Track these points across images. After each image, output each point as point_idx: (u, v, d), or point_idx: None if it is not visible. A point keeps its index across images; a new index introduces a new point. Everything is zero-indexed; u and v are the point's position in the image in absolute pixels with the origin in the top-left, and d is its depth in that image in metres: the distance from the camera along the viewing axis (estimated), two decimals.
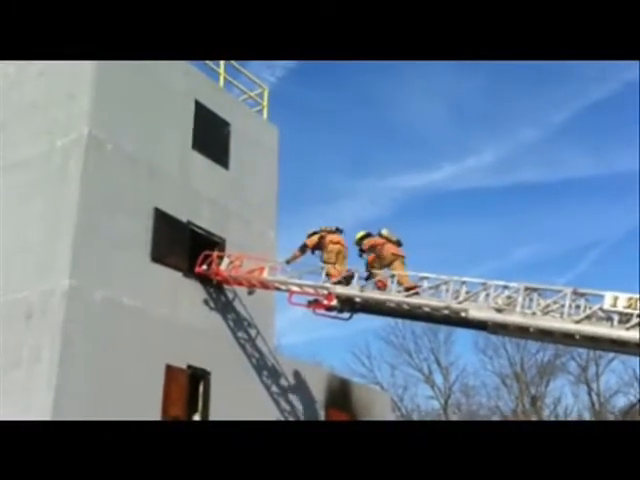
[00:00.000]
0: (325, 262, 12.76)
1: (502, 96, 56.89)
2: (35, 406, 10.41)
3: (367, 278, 12.44)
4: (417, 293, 11.44)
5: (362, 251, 12.81)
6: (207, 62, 15.38)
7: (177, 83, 14.32)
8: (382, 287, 12.07)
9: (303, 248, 13.21)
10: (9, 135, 13.44)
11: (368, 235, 12.91)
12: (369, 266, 12.59)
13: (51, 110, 12.94)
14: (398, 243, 12.73)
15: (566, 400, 38.80)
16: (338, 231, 13.21)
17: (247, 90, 16.99)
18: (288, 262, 13.37)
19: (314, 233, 13.26)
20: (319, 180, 58.88)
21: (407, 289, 11.57)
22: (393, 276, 11.94)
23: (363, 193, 59.38)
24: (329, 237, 13.00)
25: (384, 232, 12.81)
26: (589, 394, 37.01)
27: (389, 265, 12.38)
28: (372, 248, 12.65)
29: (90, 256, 11.59)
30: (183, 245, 13.42)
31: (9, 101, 13.83)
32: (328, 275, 12.44)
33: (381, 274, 12.21)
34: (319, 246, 13.06)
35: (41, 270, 11.55)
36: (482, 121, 57.63)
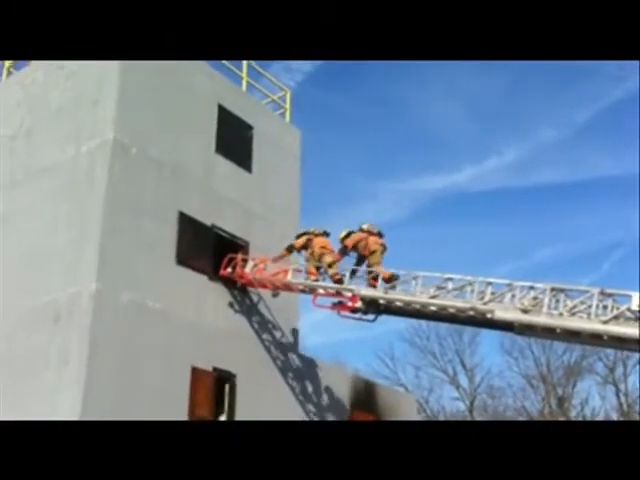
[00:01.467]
0: (307, 261, 13.18)
1: (522, 96, 56.53)
2: (63, 407, 10.54)
3: (352, 273, 12.71)
4: (394, 286, 11.91)
5: (346, 248, 12.98)
6: (230, 66, 15.48)
7: (201, 87, 14.43)
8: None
9: (290, 248, 13.60)
10: (37, 140, 13.65)
11: (350, 233, 13.11)
12: (360, 262, 12.84)
13: (77, 115, 13.11)
14: (379, 235, 13.02)
15: (593, 401, 38.37)
16: (325, 234, 13.49)
17: (270, 93, 17.06)
18: (275, 261, 13.65)
19: (302, 234, 13.59)
20: (340, 182, 58.99)
21: (388, 278, 12.04)
22: (371, 272, 12.40)
23: (384, 195, 59.35)
24: (316, 240, 13.29)
25: (365, 227, 13.08)
26: (617, 395, 36.57)
27: (371, 255, 12.68)
28: (356, 244, 12.84)
29: (116, 259, 11.72)
30: (207, 248, 13.51)
31: (36, 107, 14.04)
32: (308, 274, 12.94)
33: (376, 270, 12.47)
34: (306, 247, 13.39)
35: (68, 273, 11.70)
36: (502, 121, 57.34)
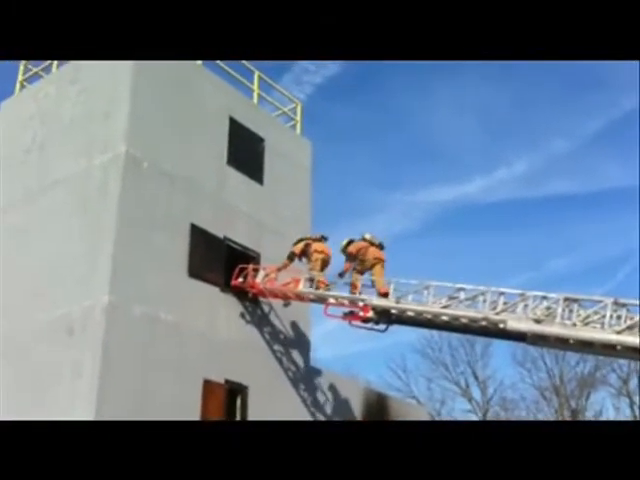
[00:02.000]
0: (311, 270, 13.26)
1: (532, 106, 56.31)
2: (76, 418, 10.54)
3: (340, 275, 12.97)
4: (387, 295, 12.04)
5: (350, 255, 13.05)
6: (241, 78, 15.59)
7: (212, 100, 14.52)
8: (322, 287, 12.84)
9: (291, 256, 13.65)
10: (50, 154, 13.77)
11: (351, 242, 13.19)
12: (359, 270, 12.89)
13: (89, 129, 13.22)
14: (380, 246, 13.08)
15: (607, 413, 37.95)
16: (323, 239, 13.66)
17: (280, 105, 17.14)
18: (279, 270, 13.68)
19: (300, 241, 13.67)
20: (351, 195, 58.92)
21: (382, 294, 12.12)
22: (374, 282, 12.49)
23: (394, 207, 59.24)
24: (314, 245, 13.44)
25: (367, 236, 13.15)
26: (631, 407, 36.16)
27: (371, 268, 12.76)
28: (358, 251, 12.91)
29: (129, 272, 11.77)
30: (219, 260, 13.55)
31: (49, 121, 14.17)
32: (318, 283, 13.03)
33: (359, 279, 12.69)
34: (305, 253, 13.50)
35: (82, 286, 11.75)
36: (512, 132, 57.13)
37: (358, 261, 12.87)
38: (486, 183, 56.43)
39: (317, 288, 12.94)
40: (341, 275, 13.07)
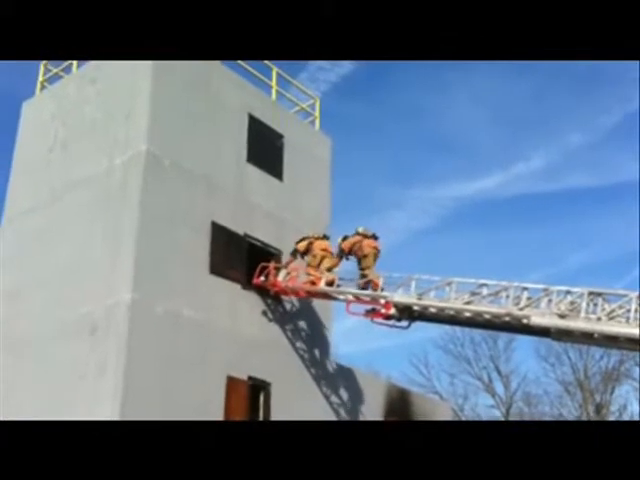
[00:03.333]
0: (309, 265, 13.41)
1: (549, 101, 55.83)
2: (101, 416, 10.63)
3: (329, 269, 13.20)
4: (376, 288, 12.33)
5: (342, 251, 13.30)
6: (259, 75, 15.58)
7: (231, 98, 14.54)
8: (363, 286, 12.77)
9: (294, 253, 13.79)
10: (71, 154, 13.88)
11: (346, 237, 13.41)
12: (360, 266, 13.05)
13: (110, 129, 13.30)
14: (374, 237, 13.24)
15: (632, 407, 37.55)
16: (325, 238, 13.80)
17: (299, 102, 17.12)
18: (284, 266, 13.75)
19: (303, 239, 13.78)
20: (369, 192, 58.79)
21: (374, 286, 12.40)
22: (363, 277, 12.68)
23: (412, 203, 59.00)
24: (316, 243, 13.57)
25: (360, 230, 13.34)
26: None
27: (363, 258, 12.93)
28: (352, 247, 13.12)
29: (151, 270, 11.83)
30: (240, 257, 13.58)
31: (70, 121, 14.28)
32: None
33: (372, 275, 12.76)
34: (308, 251, 13.63)
35: (104, 285, 11.83)
36: (529, 127, 56.60)
37: (356, 257, 13.09)
38: (504, 178, 55.93)
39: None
40: (329, 270, 13.31)
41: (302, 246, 13.70)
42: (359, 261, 13.12)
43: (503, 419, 37.59)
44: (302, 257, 13.77)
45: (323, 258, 13.38)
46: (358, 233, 13.28)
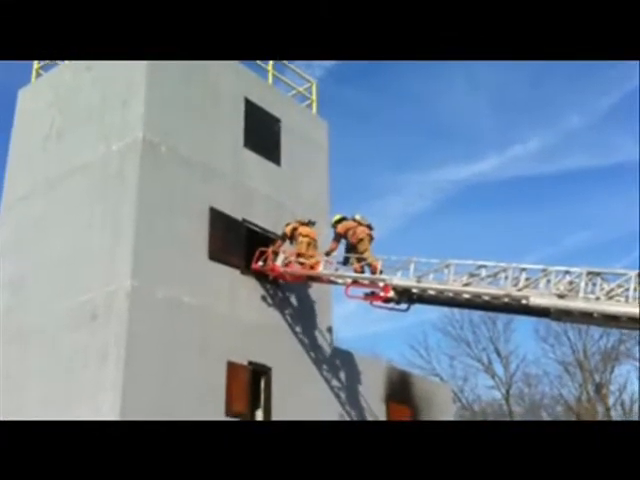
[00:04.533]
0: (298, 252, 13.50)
1: (546, 84, 55.71)
2: (103, 404, 10.70)
3: (344, 262, 13.25)
4: (376, 271, 12.41)
5: (338, 235, 13.46)
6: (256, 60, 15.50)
7: (227, 83, 14.48)
8: (359, 270, 12.87)
9: (283, 237, 13.90)
10: (68, 141, 13.84)
11: (343, 219, 13.54)
12: (349, 250, 13.23)
13: (106, 116, 13.25)
14: (369, 227, 13.35)
15: (632, 387, 37.76)
16: (310, 223, 13.90)
17: (296, 85, 17.05)
18: (274, 251, 13.74)
19: (289, 224, 13.88)
20: (365, 177, 58.83)
21: (374, 269, 12.51)
22: (362, 260, 12.79)
23: (409, 187, 59.20)
24: (300, 229, 13.67)
25: (357, 217, 13.49)
26: None
27: (359, 243, 13.06)
28: (346, 231, 13.26)
29: (150, 256, 11.84)
30: (239, 243, 13.58)
31: (66, 108, 14.22)
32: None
33: (365, 258, 12.87)
34: (293, 236, 13.74)
35: (104, 272, 11.85)
36: (525, 110, 56.60)
37: (349, 242, 13.19)
38: (500, 161, 56.06)
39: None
40: (327, 254, 13.47)
41: (289, 229, 13.79)
42: (351, 246, 13.22)
43: (503, 400, 37.80)
44: (290, 241, 13.83)
45: (308, 245, 13.47)
46: (355, 220, 13.39)
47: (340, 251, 13.62)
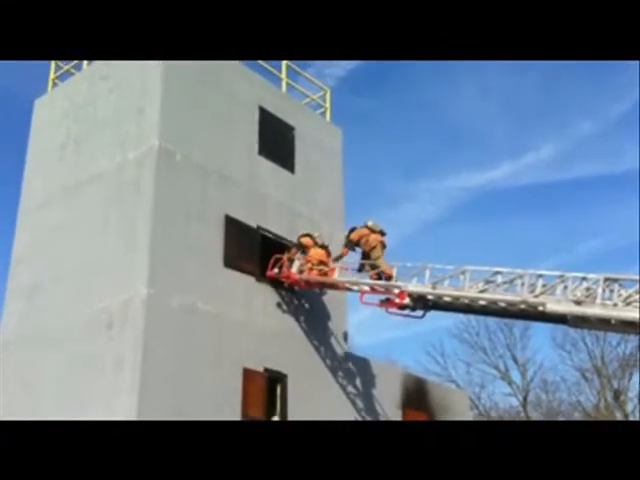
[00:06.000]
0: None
1: (557, 90, 55.47)
2: (119, 412, 10.72)
3: (359, 270, 13.28)
4: (390, 278, 12.46)
5: (350, 242, 13.51)
6: (269, 67, 15.56)
7: (241, 90, 14.54)
8: (374, 278, 12.92)
9: (298, 246, 13.85)
10: (85, 150, 13.95)
11: (354, 229, 13.65)
12: (363, 257, 13.29)
13: (122, 124, 13.35)
14: (382, 233, 13.43)
15: None
16: (324, 247, 13.72)
17: (309, 93, 17.09)
18: (290, 258, 13.70)
19: (307, 235, 13.87)
20: (379, 184, 58.80)
21: (388, 277, 12.54)
22: (374, 267, 12.89)
23: (423, 195, 58.99)
24: (313, 251, 13.58)
25: (369, 224, 13.57)
26: None
27: (372, 250, 13.13)
28: (359, 239, 13.34)
29: (166, 264, 11.89)
30: (254, 250, 13.61)
31: (82, 118, 14.34)
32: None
33: (380, 265, 12.93)
34: (306, 248, 13.74)
35: (120, 279, 11.91)
36: (538, 117, 56.29)
37: (363, 249, 13.24)
38: (514, 168, 55.74)
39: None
40: (337, 259, 13.53)
41: (306, 241, 13.74)
42: (365, 254, 13.26)
43: (520, 407, 37.51)
44: (303, 252, 13.77)
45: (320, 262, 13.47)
46: (367, 227, 13.44)
47: (352, 257, 13.67)
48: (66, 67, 15.71)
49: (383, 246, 13.26)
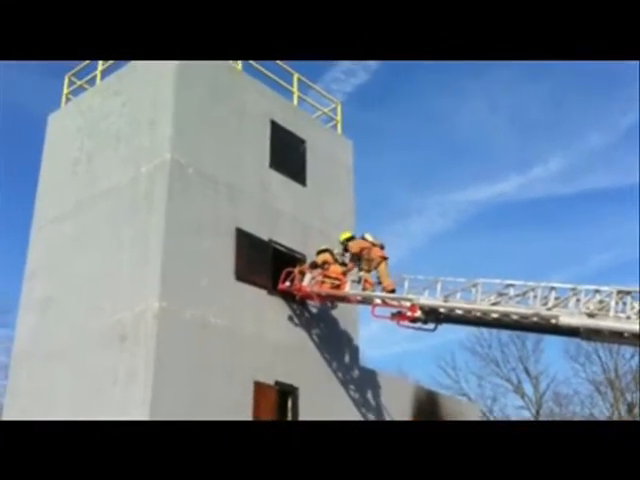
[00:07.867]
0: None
1: (565, 103, 55.44)
2: None
3: (358, 281, 13.28)
4: (393, 292, 12.56)
5: (354, 255, 13.48)
6: (280, 81, 15.66)
7: (253, 104, 14.63)
8: (369, 287, 13.01)
9: (313, 265, 13.91)
10: (98, 164, 14.06)
11: (352, 238, 13.69)
12: (361, 269, 13.28)
13: (135, 138, 13.45)
14: (381, 247, 13.42)
15: None
16: (344, 265, 13.74)
17: (320, 106, 17.16)
18: (301, 271, 13.76)
19: (325, 251, 13.91)
20: (387, 197, 58.81)
21: (390, 291, 12.61)
22: (380, 282, 12.93)
23: (431, 208, 58.94)
24: (333, 267, 13.65)
25: (368, 236, 13.57)
26: None
27: (377, 267, 13.12)
28: (361, 251, 13.32)
29: (178, 277, 11.94)
30: (265, 263, 13.64)
31: (95, 132, 14.46)
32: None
33: (368, 276, 13.10)
34: (324, 264, 13.77)
35: (132, 293, 11.96)
36: (545, 130, 56.19)
37: (364, 260, 13.22)
38: (522, 181, 55.71)
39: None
40: (344, 274, 13.48)
41: (321, 259, 13.78)
42: (364, 263, 13.22)
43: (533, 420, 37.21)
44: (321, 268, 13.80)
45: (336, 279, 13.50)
46: (365, 239, 13.49)
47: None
48: (79, 82, 15.87)
49: (386, 261, 13.25)
